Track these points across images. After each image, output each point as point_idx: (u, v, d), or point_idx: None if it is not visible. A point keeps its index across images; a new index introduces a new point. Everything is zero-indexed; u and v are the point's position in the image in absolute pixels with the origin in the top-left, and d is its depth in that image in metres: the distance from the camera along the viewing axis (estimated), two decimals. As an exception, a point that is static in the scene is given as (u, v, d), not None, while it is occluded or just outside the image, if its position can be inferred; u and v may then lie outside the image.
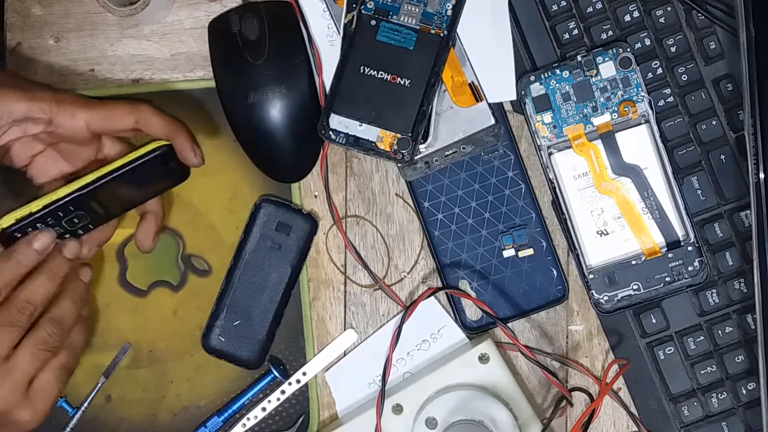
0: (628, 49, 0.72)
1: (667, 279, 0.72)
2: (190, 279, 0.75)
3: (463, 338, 0.75)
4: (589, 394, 0.73)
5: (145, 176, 0.68)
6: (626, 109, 0.72)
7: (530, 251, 0.74)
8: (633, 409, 0.74)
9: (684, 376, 0.73)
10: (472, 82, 0.73)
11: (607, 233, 0.73)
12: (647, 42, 0.73)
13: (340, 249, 0.76)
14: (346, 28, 0.72)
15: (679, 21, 0.73)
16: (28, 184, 0.71)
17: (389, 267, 0.76)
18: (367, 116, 0.71)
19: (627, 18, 0.73)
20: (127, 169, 0.67)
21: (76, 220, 0.68)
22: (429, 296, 0.73)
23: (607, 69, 0.72)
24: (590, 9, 0.73)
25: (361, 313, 0.76)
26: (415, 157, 0.72)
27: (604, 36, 0.73)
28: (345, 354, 0.76)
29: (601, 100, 0.73)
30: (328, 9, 0.73)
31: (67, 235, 0.68)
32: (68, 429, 0.74)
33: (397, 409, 0.73)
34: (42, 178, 0.70)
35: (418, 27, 0.71)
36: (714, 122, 0.73)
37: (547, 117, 0.73)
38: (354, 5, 0.72)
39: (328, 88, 0.72)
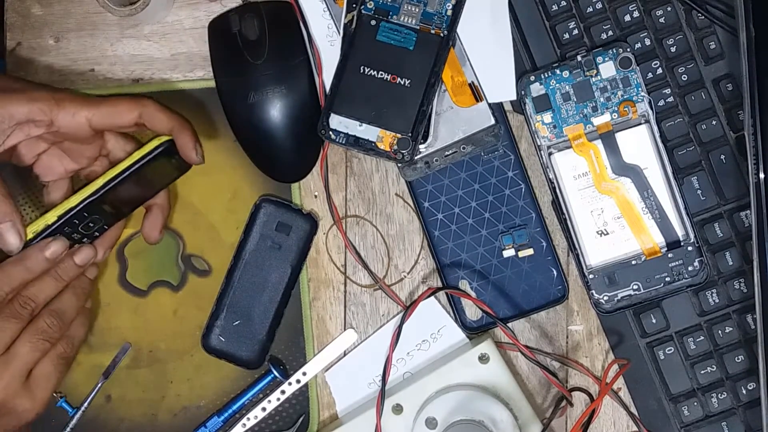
0: (628, 49, 0.72)
1: (667, 279, 0.72)
2: (190, 279, 0.75)
3: (463, 338, 0.75)
4: (589, 394, 0.73)
5: (151, 173, 0.69)
6: (626, 109, 0.72)
7: (530, 251, 0.74)
8: (633, 409, 0.74)
9: (684, 376, 0.73)
10: (472, 82, 0.73)
11: (607, 233, 0.73)
12: (647, 42, 0.73)
13: (340, 249, 0.76)
14: (346, 28, 0.72)
15: (679, 21, 0.73)
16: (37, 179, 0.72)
17: (389, 267, 0.76)
18: (367, 116, 0.71)
19: (627, 18, 0.73)
20: (133, 169, 0.68)
21: (91, 224, 0.69)
22: (429, 296, 0.73)
23: (607, 69, 0.72)
24: (590, 9, 0.73)
25: (361, 313, 0.76)
26: (415, 157, 0.72)
27: (604, 36, 0.73)
28: (345, 354, 0.76)
29: (601, 100, 0.73)
30: (328, 9, 0.73)
31: (85, 239, 0.69)
32: (68, 429, 0.74)
33: (397, 409, 0.73)
34: (48, 176, 0.70)
35: (418, 27, 0.71)
36: (714, 122, 0.73)
37: (547, 117, 0.73)
38: (354, 5, 0.72)
39: (328, 88, 0.72)
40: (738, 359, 0.73)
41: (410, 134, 0.70)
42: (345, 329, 0.76)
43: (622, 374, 0.73)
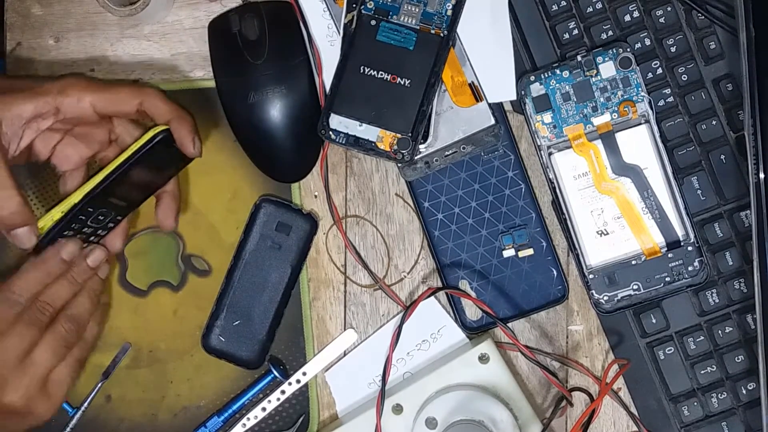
0: (628, 49, 0.72)
1: (667, 279, 0.72)
2: (190, 279, 0.75)
3: (463, 338, 0.75)
4: (589, 394, 0.73)
5: (153, 162, 0.69)
6: (626, 109, 0.72)
7: (530, 251, 0.74)
8: (633, 409, 0.74)
9: (684, 376, 0.73)
10: (472, 82, 0.73)
11: (607, 233, 0.73)
12: (647, 42, 0.73)
13: (340, 249, 0.76)
14: (346, 28, 0.72)
15: (679, 21, 0.73)
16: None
17: (389, 267, 0.76)
18: (367, 116, 0.71)
19: (627, 18, 0.73)
20: (132, 160, 0.67)
21: (101, 218, 0.69)
22: (429, 296, 0.73)
23: (607, 69, 0.72)
24: (590, 9, 0.73)
25: (361, 313, 0.76)
26: (415, 157, 0.72)
27: (604, 36, 0.73)
28: (345, 354, 0.76)
29: (601, 100, 0.73)
30: (328, 9, 0.73)
31: (100, 231, 0.70)
32: (68, 429, 0.74)
33: (397, 409, 0.73)
34: (65, 166, 0.70)
35: (418, 27, 0.71)
36: (714, 122, 0.73)
37: (547, 117, 0.73)
38: (354, 5, 0.72)
39: (328, 88, 0.72)
40: (738, 359, 0.73)
41: (410, 134, 0.70)
42: (345, 329, 0.76)
43: (622, 374, 0.73)
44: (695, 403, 0.73)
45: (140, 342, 0.75)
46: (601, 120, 0.73)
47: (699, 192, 0.73)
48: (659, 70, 0.73)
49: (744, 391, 0.73)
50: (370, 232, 0.76)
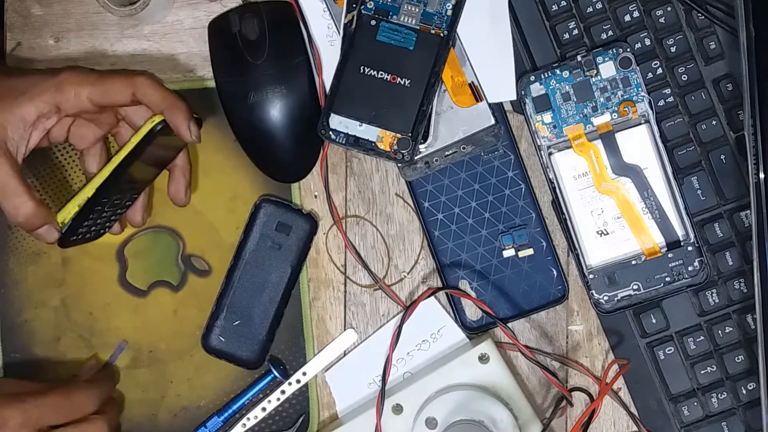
0: (628, 49, 0.72)
1: (667, 279, 0.72)
2: (190, 279, 0.75)
3: (463, 338, 0.75)
4: (589, 394, 0.73)
5: (156, 147, 0.69)
6: (626, 109, 0.72)
7: (530, 251, 0.74)
8: (633, 409, 0.74)
9: (684, 376, 0.73)
10: (472, 82, 0.73)
11: (607, 233, 0.73)
12: (647, 42, 0.73)
13: (340, 249, 0.76)
14: (346, 28, 0.72)
15: (679, 21, 0.73)
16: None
17: (389, 267, 0.76)
18: (367, 116, 0.71)
19: (627, 18, 0.73)
20: (134, 154, 0.68)
21: (117, 201, 0.70)
22: (429, 296, 0.73)
23: (607, 69, 0.72)
24: (590, 9, 0.73)
25: (361, 313, 0.76)
26: (415, 157, 0.72)
27: (604, 36, 0.73)
28: (345, 354, 0.76)
29: (601, 100, 0.73)
30: (328, 9, 0.73)
31: (119, 210, 0.71)
32: None
33: (397, 409, 0.73)
34: (83, 145, 0.71)
35: (418, 27, 0.71)
36: (714, 122, 0.73)
37: (547, 117, 0.73)
38: (354, 5, 0.72)
39: (328, 88, 0.72)
40: (738, 359, 0.73)
41: (410, 134, 0.70)
42: (345, 329, 0.76)
43: (622, 374, 0.73)
44: (695, 403, 0.73)
45: (140, 342, 0.75)
46: (601, 120, 0.73)
47: (699, 192, 0.73)
48: (659, 70, 0.73)
49: (744, 391, 0.73)
50: (370, 232, 0.76)
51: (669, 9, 0.73)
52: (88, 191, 0.68)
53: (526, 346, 0.72)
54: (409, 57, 0.71)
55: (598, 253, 0.73)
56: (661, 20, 0.73)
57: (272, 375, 0.74)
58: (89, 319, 0.75)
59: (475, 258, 0.74)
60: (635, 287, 0.72)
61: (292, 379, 0.75)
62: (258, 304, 0.74)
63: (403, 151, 0.71)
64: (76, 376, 0.73)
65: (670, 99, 0.73)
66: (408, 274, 0.76)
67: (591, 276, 0.73)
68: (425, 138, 0.72)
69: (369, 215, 0.76)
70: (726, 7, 0.72)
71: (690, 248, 0.72)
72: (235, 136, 0.74)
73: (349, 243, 0.75)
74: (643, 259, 0.72)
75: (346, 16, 0.72)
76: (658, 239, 0.72)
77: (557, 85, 0.73)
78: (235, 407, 0.75)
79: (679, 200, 0.72)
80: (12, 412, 0.65)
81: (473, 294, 0.74)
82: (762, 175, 0.67)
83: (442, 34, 0.71)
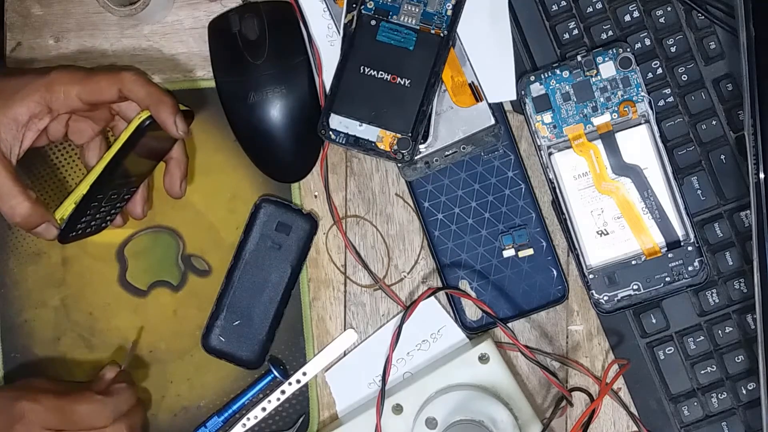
0: (628, 49, 0.72)
1: (667, 279, 0.72)
2: (190, 279, 0.75)
3: (463, 338, 0.75)
4: (589, 394, 0.73)
5: (147, 142, 0.69)
6: (626, 109, 0.72)
7: (530, 251, 0.74)
8: (633, 409, 0.74)
9: (684, 376, 0.73)
10: (472, 82, 0.73)
11: (607, 233, 0.73)
12: (647, 42, 0.73)
13: (340, 249, 0.76)
14: (346, 28, 0.72)
15: (679, 21, 0.73)
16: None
17: (389, 267, 0.76)
18: (367, 116, 0.71)
19: (627, 18, 0.73)
20: (124, 150, 0.68)
21: (114, 196, 0.70)
22: (429, 296, 0.73)
23: (607, 69, 0.72)
24: (590, 9, 0.73)
25: (361, 313, 0.76)
26: (415, 157, 0.72)
27: (604, 36, 0.73)
28: (345, 354, 0.76)
29: (601, 100, 0.73)
30: (328, 9, 0.73)
31: (118, 204, 0.71)
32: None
33: (397, 409, 0.73)
34: (82, 139, 0.71)
35: (418, 27, 0.71)
36: (714, 122, 0.73)
37: (547, 117, 0.73)
38: (354, 5, 0.72)
39: (328, 88, 0.72)
40: (738, 359, 0.73)
41: (410, 134, 0.70)
42: (345, 329, 0.76)
43: (622, 374, 0.73)
44: (695, 403, 0.73)
45: (140, 342, 0.75)
46: (601, 120, 0.73)
47: (699, 192, 0.73)
48: (659, 70, 0.73)
49: (744, 391, 0.73)
50: (370, 232, 0.76)
51: (669, 9, 0.73)
52: (83, 188, 0.68)
53: (526, 346, 0.72)
54: (409, 57, 0.71)
55: (598, 253, 0.73)
56: (661, 20, 0.73)
57: (272, 375, 0.74)
58: (89, 319, 0.75)
59: (475, 258, 0.74)
60: (635, 287, 0.72)
61: (292, 379, 0.75)
62: (258, 304, 0.74)
63: (403, 151, 0.71)
64: (92, 386, 0.72)
65: (670, 99, 0.73)
66: (408, 274, 0.76)
67: (591, 276, 0.73)
68: (425, 138, 0.72)
69: (369, 215, 0.76)
70: (726, 7, 0.72)
71: (690, 248, 0.72)
72: (235, 136, 0.74)
73: (349, 243, 0.75)
74: (643, 259, 0.72)
75: (346, 16, 0.72)
76: (658, 239, 0.72)
77: (557, 85, 0.73)
78: (235, 407, 0.75)
79: (679, 200, 0.72)
80: (31, 408, 0.67)
81: (473, 294, 0.74)
82: (762, 175, 0.67)
83: (442, 34, 0.71)
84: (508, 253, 0.74)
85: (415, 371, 0.75)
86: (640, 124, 0.72)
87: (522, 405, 0.72)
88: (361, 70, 0.71)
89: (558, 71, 0.73)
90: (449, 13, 0.71)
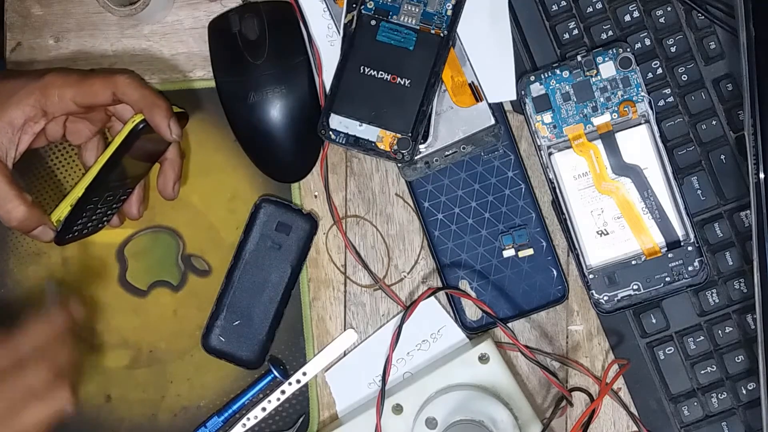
0: (628, 49, 0.72)
1: (667, 279, 0.72)
2: (190, 279, 0.75)
3: (463, 338, 0.75)
4: (589, 394, 0.73)
5: (141, 145, 0.69)
6: (626, 109, 0.72)
7: (530, 251, 0.74)
8: (633, 409, 0.74)
9: (684, 376, 0.73)
10: (472, 82, 0.73)
11: (607, 233, 0.73)
12: (647, 42, 0.73)
13: (340, 249, 0.76)
14: (346, 28, 0.72)
15: (679, 21, 0.73)
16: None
17: (389, 267, 0.76)
18: (367, 116, 0.71)
19: (627, 18, 0.73)
20: (118, 154, 0.68)
21: (110, 198, 0.70)
22: (429, 296, 0.73)
23: (607, 69, 0.72)
24: (590, 9, 0.73)
25: (361, 313, 0.76)
26: (415, 157, 0.72)
27: (604, 36, 0.73)
28: (345, 354, 0.76)
29: (601, 100, 0.73)
30: (328, 9, 0.73)
31: (114, 205, 0.71)
32: None
33: (397, 409, 0.73)
34: (80, 140, 0.71)
35: (418, 27, 0.71)
36: (714, 122, 0.73)
37: (547, 117, 0.73)
38: (354, 5, 0.72)
39: (328, 88, 0.72)
40: (738, 359, 0.73)
41: (410, 134, 0.70)
42: (345, 329, 0.76)
43: (622, 374, 0.73)
44: (695, 403, 0.73)
45: (140, 342, 0.75)
46: (601, 120, 0.73)
47: (699, 192, 0.73)
48: (659, 70, 0.73)
49: (744, 391, 0.73)
50: (370, 232, 0.76)
51: (669, 9, 0.73)
52: (78, 191, 0.68)
53: (526, 346, 0.72)
54: (409, 57, 0.71)
55: (598, 253, 0.73)
56: (661, 20, 0.73)
57: (272, 375, 0.74)
58: (89, 319, 0.75)
59: (475, 258, 0.74)
60: (635, 287, 0.72)
61: (292, 379, 0.75)
62: (258, 304, 0.74)
63: (403, 151, 0.71)
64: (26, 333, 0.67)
65: (670, 99, 0.73)
66: (408, 274, 0.76)
67: (591, 276, 0.73)
68: (425, 138, 0.72)
69: (369, 215, 0.76)
70: (726, 7, 0.72)
71: (690, 248, 0.72)
72: (235, 136, 0.74)
73: (349, 243, 0.75)
74: (643, 259, 0.72)
75: (346, 16, 0.72)
76: (658, 239, 0.72)
77: (557, 85, 0.73)
78: (235, 407, 0.75)
79: (679, 200, 0.72)
80: None
81: (473, 294, 0.74)
82: (762, 175, 0.67)
83: (442, 34, 0.71)
84: (508, 253, 0.74)
85: (415, 371, 0.75)
86: (640, 124, 0.72)
87: (522, 405, 0.72)
88: (361, 70, 0.71)
89: (558, 71, 0.73)
90: (449, 13, 0.71)
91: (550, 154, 0.73)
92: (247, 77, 0.72)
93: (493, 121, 0.73)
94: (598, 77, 0.72)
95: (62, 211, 0.68)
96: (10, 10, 0.76)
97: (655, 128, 0.72)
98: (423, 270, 0.76)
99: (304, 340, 0.75)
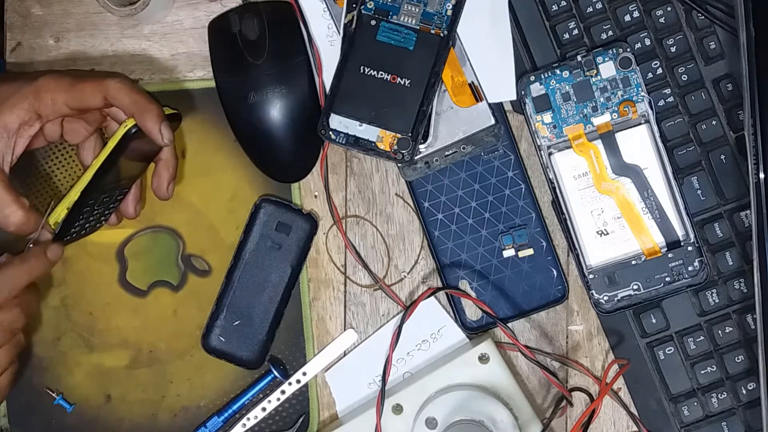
0: (628, 49, 0.72)
1: (667, 279, 0.72)
2: (190, 279, 0.75)
3: (463, 338, 0.75)
4: (589, 394, 0.73)
5: (135, 148, 0.68)
6: (626, 109, 0.72)
7: (530, 251, 0.74)
8: (633, 409, 0.74)
9: (684, 376, 0.73)
10: (472, 82, 0.73)
11: (607, 233, 0.73)
12: (647, 42, 0.73)
13: (340, 249, 0.76)
14: (346, 28, 0.72)
15: (679, 21, 0.73)
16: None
17: (389, 267, 0.76)
18: (367, 116, 0.71)
19: (627, 18, 0.73)
20: (111, 158, 0.68)
21: (107, 199, 0.70)
22: (429, 296, 0.73)
23: (607, 69, 0.72)
24: (590, 9, 0.73)
25: (361, 313, 0.76)
26: (415, 157, 0.72)
27: (604, 36, 0.73)
28: (345, 354, 0.76)
29: (601, 100, 0.73)
30: (328, 9, 0.73)
31: (111, 205, 0.71)
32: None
33: (397, 409, 0.73)
34: (77, 139, 0.71)
35: (418, 27, 0.71)
36: (714, 122, 0.73)
37: (547, 117, 0.73)
38: (354, 5, 0.72)
39: (328, 88, 0.72)
40: (738, 359, 0.73)
41: (410, 134, 0.70)
42: (345, 329, 0.76)
43: (622, 374, 0.73)
44: (695, 403, 0.73)
45: (140, 342, 0.75)
46: (601, 120, 0.73)
47: (699, 192, 0.73)
48: (659, 70, 0.73)
49: (744, 391, 0.73)
50: (370, 232, 0.76)
51: (669, 9, 0.73)
52: (74, 195, 0.68)
53: (526, 346, 0.72)
54: (409, 57, 0.71)
55: (598, 253, 0.73)
56: (661, 20, 0.73)
57: (272, 375, 0.74)
58: (89, 319, 0.75)
59: (475, 258, 0.74)
60: (635, 287, 0.72)
61: (292, 379, 0.75)
62: (258, 304, 0.74)
63: (403, 151, 0.71)
64: None
65: (670, 99, 0.73)
66: (408, 274, 0.76)
67: (591, 276, 0.73)
68: (425, 138, 0.72)
69: (369, 215, 0.76)
70: (726, 7, 0.72)
71: (690, 248, 0.72)
72: (235, 136, 0.74)
73: (349, 243, 0.75)
74: (643, 259, 0.72)
75: (346, 16, 0.72)
76: (658, 239, 0.72)
77: (557, 85, 0.73)
78: (235, 407, 0.75)
79: (679, 200, 0.72)
80: None
81: (473, 294, 0.74)
82: (762, 175, 0.67)
83: (442, 34, 0.71)
84: (508, 253, 0.74)
85: (415, 371, 0.75)
86: (640, 124, 0.72)
87: (522, 405, 0.72)
88: (361, 70, 0.71)
89: (558, 71, 0.73)
90: (449, 13, 0.71)
91: (550, 154, 0.73)
92: (247, 77, 0.72)
93: (493, 121, 0.73)
94: (598, 77, 0.72)
95: (59, 214, 0.68)
96: (10, 10, 0.76)
97: (655, 128, 0.72)
98: (423, 270, 0.76)
99: (304, 340, 0.75)
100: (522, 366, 0.76)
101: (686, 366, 0.73)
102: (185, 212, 0.75)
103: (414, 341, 0.75)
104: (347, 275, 0.76)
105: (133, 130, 0.67)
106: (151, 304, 0.75)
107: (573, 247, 0.73)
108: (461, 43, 0.73)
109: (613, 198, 0.72)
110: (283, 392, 0.75)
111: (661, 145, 0.72)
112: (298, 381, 0.75)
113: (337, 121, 0.71)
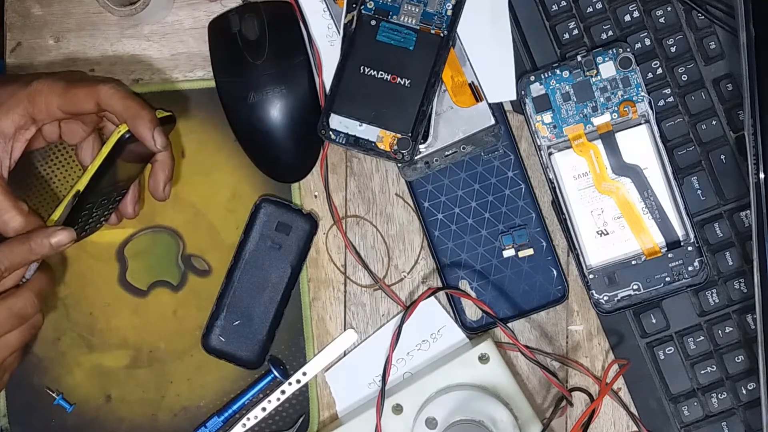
0: (628, 49, 0.72)
1: (667, 279, 0.72)
2: (190, 279, 0.75)
3: (463, 338, 0.75)
4: (589, 394, 0.73)
5: (130, 152, 0.68)
6: (626, 109, 0.72)
7: (530, 251, 0.74)
8: (633, 409, 0.74)
9: (684, 376, 0.73)
10: (472, 82, 0.73)
11: (607, 233, 0.73)
12: (647, 42, 0.73)
13: (340, 249, 0.76)
14: (346, 28, 0.72)
15: (679, 21, 0.73)
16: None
17: (389, 267, 0.76)
18: (367, 116, 0.71)
19: (627, 18, 0.73)
20: (106, 164, 0.68)
21: (105, 201, 0.70)
22: (429, 296, 0.73)
23: (607, 69, 0.72)
24: (590, 9, 0.73)
25: (361, 313, 0.76)
26: (415, 157, 0.72)
27: (604, 36, 0.73)
28: (345, 354, 0.76)
29: (601, 100, 0.73)
30: (328, 9, 0.73)
31: (111, 206, 0.71)
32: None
33: (397, 409, 0.73)
34: (75, 140, 0.71)
35: (418, 27, 0.71)
36: (714, 122, 0.73)
37: (547, 117, 0.73)
38: (354, 5, 0.72)
39: (328, 88, 0.72)
40: (738, 359, 0.73)
41: (410, 134, 0.70)
42: (345, 329, 0.76)
43: (622, 374, 0.73)
44: (695, 403, 0.73)
45: (140, 342, 0.75)
46: (601, 120, 0.73)
47: (699, 192, 0.73)
48: (659, 70, 0.73)
49: (744, 391, 0.73)
50: (370, 232, 0.76)
51: (669, 9, 0.73)
52: (71, 200, 0.68)
53: (526, 346, 0.72)
54: (409, 57, 0.71)
55: (598, 253, 0.73)
56: (661, 20, 0.73)
57: (272, 375, 0.74)
58: (89, 319, 0.75)
59: (475, 258, 0.74)
60: (635, 287, 0.72)
61: (292, 379, 0.75)
62: (258, 304, 0.74)
63: (403, 151, 0.71)
64: None
65: (670, 99, 0.73)
66: (408, 274, 0.76)
67: (591, 276, 0.73)
68: (425, 138, 0.72)
69: (369, 215, 0.76)
70: (726, 7, 0.72)
71: (690, 248, 0.72)
72: (235, 136, 0.74)
73: (349, 243, 0.75)
74: (643, 259, 0.72)
75: (346, 16, 0.72)
76: (658, 239, 0.72)
77: (557, 85, 0.73)
78: (235, 407, 0.75)
79: (679, 200, 0.72)
80: None
81: (473, 294, 0.74)
82: (762, 175, 0.67)
83: (442, 34, 0.71)
84: (508, 253, 0.74)
85: (415, 371, 0.75)
86: (640, 124, 0.72)
87: (522, 405, 0.72)
88: (361, 70, 0.71)
89: (558, 71, 0.73)
90: (449, 13, 0.71)
91: (550, 154, 0.73)
92: (247, 77, 0.72)
93: (493, 121, 0.73)
94: (598, 77, 0.72)
95: (59, 217, 0.68)
96: (10, 10, 0.76)
97: (655, 128, 0.72)
98: (423, 270, 0.76)
99: (304, 340, 0.75)
100: (522, 366, 0.76)
101: (686, 366, 0.73)
102: (185, 212, 0.75)
103: (414, 341, 0.75)
104: (347, 275, 0.76)
105: (127, 136, 0.67)
106: (151, 304, 0.75)
107: (573, 247, 0.73)
108: (461, 43, 0.73)
109: (613, 198, 0.72)
110: (283, 392, 0.75)
111: (661, 145, 0.72)
112: (298, 381, 0.75)
113: (337, 121, 0.71)
